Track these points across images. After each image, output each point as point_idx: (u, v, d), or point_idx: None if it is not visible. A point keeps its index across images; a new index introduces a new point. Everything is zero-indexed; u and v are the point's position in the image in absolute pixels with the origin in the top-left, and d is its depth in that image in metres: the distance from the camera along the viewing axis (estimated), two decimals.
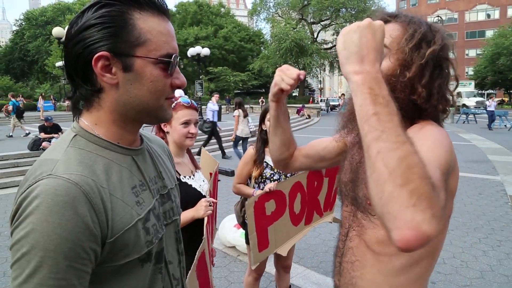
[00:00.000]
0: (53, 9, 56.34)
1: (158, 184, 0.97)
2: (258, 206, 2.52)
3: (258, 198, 2.53)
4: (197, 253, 1.53)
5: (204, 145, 10.93)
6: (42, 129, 10.16)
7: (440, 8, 64.01)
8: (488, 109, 19.26)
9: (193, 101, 2.10)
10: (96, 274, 0.77)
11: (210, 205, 1.91)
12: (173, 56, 0.85)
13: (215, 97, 12.24)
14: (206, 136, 11.38)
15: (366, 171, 1.01)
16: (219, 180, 2.94)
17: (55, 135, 10.07)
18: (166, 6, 0.88)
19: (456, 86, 1.18)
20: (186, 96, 2.11)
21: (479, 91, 52.18)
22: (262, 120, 2.80)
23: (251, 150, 2.82)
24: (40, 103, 24.20)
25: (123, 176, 0.85)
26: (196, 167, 2.22)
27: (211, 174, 2.24)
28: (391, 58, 1.10)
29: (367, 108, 0.77)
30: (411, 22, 1.12)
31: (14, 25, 60.67)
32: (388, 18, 1.15)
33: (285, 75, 1.23)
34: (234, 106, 11.90)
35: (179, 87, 0.90)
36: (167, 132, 2.06)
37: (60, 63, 31.11)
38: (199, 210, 1.90)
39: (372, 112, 0.76)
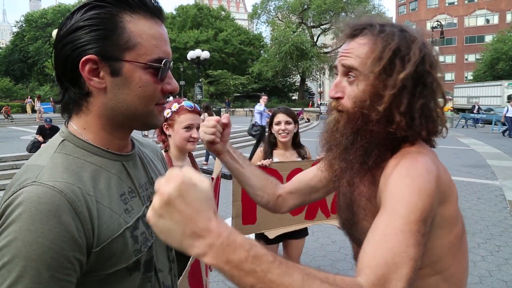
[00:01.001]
0: (53, 11, 56.40)
1: (149, 190, 0.94)
2: None
3: None
4: (190, 259, 1.51)
5: (254, 150, 10.14)
6: (40, 130, 10.05)
7: (439, 13, 64.25)
8: (508, 114, 17.20)
9: (196, 106, 2.12)
10: (82, 283, 0.75)
11: None
12: (164, 61, 0.81)
13: (263, 99, 11.58)
14: (255, 140, 10.76)
15: (361, 213, 0.98)
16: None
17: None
18: (160, 9, 0.84)
19: (445, 103, 1.00)
20: (188, 101, 2.15)
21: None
22: (270, 124, 2.81)
23: (259, 152, 2.85)
24: (37, 105, 24.25)
25: (112, 183, 0.83)
26: (197, 171, 2.22)
27: (213, 178, 2.24)
28: (359, 85, 0.94)
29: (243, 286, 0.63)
30: (380, 35, 0.93)
31: (15, 26, 60.74)
32: (354, 31, 0.99)
33: (205, 128, 1.20)
34: (201, 109, 11.70)
35: (170, 93, 0.87)
36: (169, 135, 2.08)
37: None
38: None
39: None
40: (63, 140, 0.82)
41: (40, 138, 9.84)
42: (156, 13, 0.83)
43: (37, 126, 10.59)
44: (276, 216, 2.64)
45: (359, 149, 0.96)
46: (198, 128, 2.07)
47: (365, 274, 0.72)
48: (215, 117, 1.24)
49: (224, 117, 1.25)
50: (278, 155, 2.80)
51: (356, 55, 0.95)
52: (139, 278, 0.85)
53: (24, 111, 29.92)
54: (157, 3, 0.84)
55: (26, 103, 29.51)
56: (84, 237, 0.72)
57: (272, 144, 2.85)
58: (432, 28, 27.60)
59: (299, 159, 2.82)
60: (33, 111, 26.77)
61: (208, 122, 1.22)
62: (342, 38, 1.03)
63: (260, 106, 11.12)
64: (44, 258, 0.66)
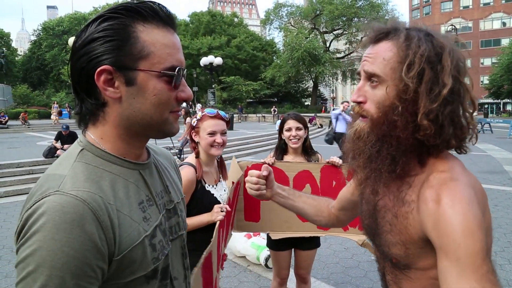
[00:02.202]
0: (69, 19, 57.58)
1: (164, 198, 0.95)
2: None
3: (252, 165, 2.52)
4: (204, 253, 1.54)
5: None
6: (58, 137, 10.31)
7: (454, 17, 63.61)
8: None
9: (220, 112, 2.19)
10: None
11: (222, 211, 1.97)
12: (177, 68, 0.82)
13: (344, 105, 10.50)
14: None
15: (386, 226, 0.99)
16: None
17: (69, 145, 10.19)
18: (172, 18, 0.85)
19: (473, 110, 0.96)
20: (216, 108, 2.26)
21: (495, 100, 51.42)
22: (280, 130, 2.83)
23: (268, 158, 2.86)
24: (53, 110, 25.11)
25: (130, 191, 0.84)
26: (223, 177, 2.33)
27: (233, 183, 2.26)
28: (388, 89, 0.92)
29: None
30: (406, 41, 0.92)
31: (32, 35, 62.16)
32: (379, 35, 0.97)
33: (249, 185, 1.27)
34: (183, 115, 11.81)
35: (185, 100, 0.87)
36: (197, 142, 2.17)
37: None
38: (213, 214, 2.00)
39: None
40: (82, 149, 0.83)
41: (58, 145, 10.04)
42: (169, 22, 0.84)
43: (52, 132, 10.79)
44: (282, 218, 2.60)
45: (386, 157, 0.95)
46: (222, 133, 2.15)
47: None
48: (255, 172, 1.31)
49: (264, 169, 1.31)
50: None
51: (381, 60, 0.94)
52: (156, 286, 0.86)
53: (41, 117, 30.55)
54: (169, 12, 0.84)
55: (53, 108, 30.29)
56: (106, 245, 0.73)
57: (283, 150, 2.85)
58: (447, 32, 27.22)
59: None
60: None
61: (251, 178, 1.31)
62: (366, 42, 1.01)
63: (336, 111, 10.38)
64: (68, 266, 0.67)
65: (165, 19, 0.83)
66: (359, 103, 0.99)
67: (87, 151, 0.83)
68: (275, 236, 2.62)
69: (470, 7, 63.27)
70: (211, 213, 2.02)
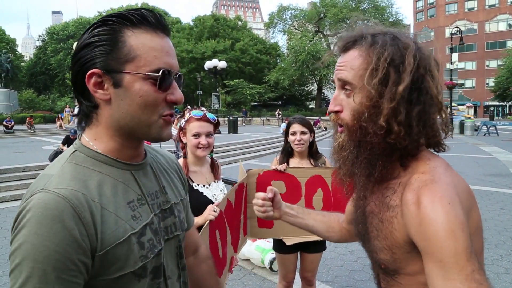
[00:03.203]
0: (74, 23, 58.02)
1: (160, 199, 0.97)
2: (262, 180, 2.52)
3: (263, 172, 2.54)
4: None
5: None
6: (65, 141, 10.41)
7: (459, 19, 63.42)
8: None
9: (208, 114, 2.24)
10: (91, 287, 0.79)
11: (214, 211, 1.97)
12: (162, 70, 0.84)
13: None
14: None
15: (373, 231, 1.00)
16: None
17: None
18: (162, 22, 0.88)
19: (438, 109, 0.96)
20: (204, 110, 2.28)
21: (501, 103, 51.16)
22: (286, 133, 2.84)
23: (274, 162, 2.87)
24: (65, 112, 25.77)
25: (119, 190, 0.86)
26: (217, 178, 2.35)
27: (233, 184, 2.29)
28: (355, 98, 0.95)
29: None
30: (372, 46, 0.93)
31: (38, 40, 62.70)
32: (347, 44, 0.99)
33: (256, 207, 1.31)
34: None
35: (174, 103, 0.89)
36: (185, 142, 2.24)
37: None
38: (204, 214, 2.00)
39: None
40: (74, 151, 0.88)
41: (65, 148, 10.11)
42: (158, 26, 0.87)
43: (58, 136, 10.87)
44: None
45: (363, 162, 0.96)
46: (207, 135, 2.19)
47: None
48: (261, 195, 1.34)
49: (269, 191, 1.33)
50: (294, 164, 2.80)
51: (350, 68, 0.95)
52: (147, 284, 0.88)
53: (46, 121, 30.75)
54: (159, 17, 0.88)
55: (65, 112, 30.60)
56: (88, 241, 0.76)
57: (288, 153, 2.86)
58: (451, 34, 27.20)
59: None
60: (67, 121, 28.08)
61: (257, 201, 1.34)
62: (336, 51, 1.05)
63: None
64: (50, 260, 0.71)
65: (154, 24, 0.86)
66: (336, 112, 1.01)
67: (79, 152, 0.87)
68: (289, 241, 2.62)
69: (475, 9, 63.09)
70: (203, 214, 2.02)
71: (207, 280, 1.28)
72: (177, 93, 0.89)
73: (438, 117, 0.97)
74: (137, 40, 0.84)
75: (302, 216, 1.41)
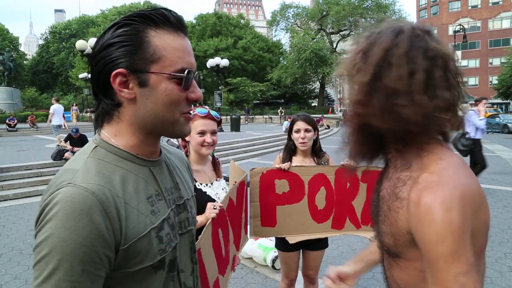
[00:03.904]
0: (77, 22, 58.12)
1: (174, 194, 1.00)
2: (266, 179, 2.51)
3: (267, 171, 2.53)
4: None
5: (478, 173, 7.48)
6: (67, 139, 10.40)
7: (462, 16, 63.10)
8: None
9: (212, 112, 2.19)
10: (111, 279, 0.81)
11: (214, 208, 1.94)
12: (187, 70, 0.88)
13: (483, 103, 7.71)
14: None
15: (382, 216, 1.06)
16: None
17: (79, 148, 10.21)
18: (182, 23, 0.90)
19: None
20: (207, 108, 2.22)
21: (504, 101, 50.96)
22: (290, 131, 2.82)
23: (277, 160, 2.84)
24: (72, 111, 26.99)
25: (139, 186, 0.89)
26: (219, 176, 2.31)
27: (235, 182, 2.26)
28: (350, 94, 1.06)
29: None
30: (355, 42, 1.05)
31: (40, 39, 62.82)
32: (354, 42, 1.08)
33: None
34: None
35: (195, 101, 0.93)
36: (188, 141, 2.18)
37: (83, 75, 32.08)
38: (206, 212, 1.97)
39: None
40: (96, 146, 0.89)
41: (69, 146, 10.13)
42: (179, 27, 0.90)
43: (61, 135, 10.88)
44: (298, 221, 2.62)
45: (356, 145, 1.08)
46: (212, 133, 2.15)
47: None
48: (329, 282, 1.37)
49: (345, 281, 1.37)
50: (297, 162, 2.77)
51: (344, 66, 1.05)
52: (164, 277, 0.91)
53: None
54: (180, 18, 0.90)
55: (72, 111, 30.70)
56: (113, 235, 0.78)
57: (291, 151, 2.84)
58: (455, 32, 27.07)
59: None
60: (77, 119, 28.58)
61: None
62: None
63: (479, 119, 7.43)
64: (76, 253, 0.73)
65: (175, 24, 0.89)
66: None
67: (100, 148, 0.89)
68: (292, 239, 2.60)
69: (479, 6, 62.70)
70: (204, 213, 1.98)
71: None
72: (198, 91, 0.92)
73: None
74: (162, 41, 0.86)
75: (367, 261, 1.40)
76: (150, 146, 0.94)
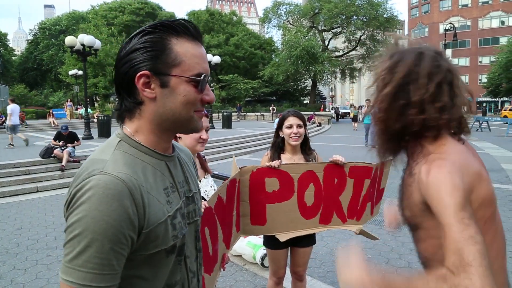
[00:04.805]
0: (67, 17, 57.36)
1: (185, 187, 1.11)
2: (256, 178, 2.49)
3: (257, 169, 2.51)
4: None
5: None
6: (57, 137, 10.14)
7: (452, 15, 63.64)
8: None
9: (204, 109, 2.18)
10: (130, 260, 0.90)
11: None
12: (203, 75, 0.98)
13: None
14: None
15: (402, 190, 1.29)
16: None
17: (69, 145, 10.04)
18: (199, 32, 1.02)
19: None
20: None
21: (493, 99, 51.50)
22: (279, 127, 2.79)
23: (265, 158, 2.82)
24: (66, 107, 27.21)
25: (157, 178, 0.99)
26: (207, 172, 2.31)
27: (226, 179, 2.24)
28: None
29: None
30: (384, 57, 1.29)
31: (29, 34, 61.93)
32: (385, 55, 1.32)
33: None
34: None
35: (208, 103, 1.03)
36: (179, 137, 2.16)
37: (72, 72, 31.68)
38: None
39: None
40: (120, 140, 0.99)
41: (56, 143, 9.97)
42: (197, 36, 1.01)
43: (50, 132, 10.72)
44: (288, 219, 2.61)
45: (382, 142, 1.33)
46: (206, 130, 2.17)
47: (447, 263, 1.01)
48: None
49: None
50: (285, 160, 2.75)
51: (375, 76, 1.30)
52: (173, 261, 1.01)
53: (39, 117, 30.45)
54: (197, 28, 1.02)
55: (66, 106, 30.30)
56: (137, 219, 0.88)
57: (279, 149, 2.81)
58: (445, 30, 27.26)
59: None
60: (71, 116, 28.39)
61: None
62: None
63: None
64: (107, 233, 0.82)
65: (194, 34, 1.00)
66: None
67: (124, 142, 0.99)
68: (283, 237, 2.59)
69: (469, 5, 63.27)
70: None
71: None
72: (211, 94, 1.03)
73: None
74: (182, 48, 0.97)
75: None
76: (166, 142, 1.05)
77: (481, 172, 1.18)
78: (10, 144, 13.48)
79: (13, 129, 13.88)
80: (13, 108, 13.98)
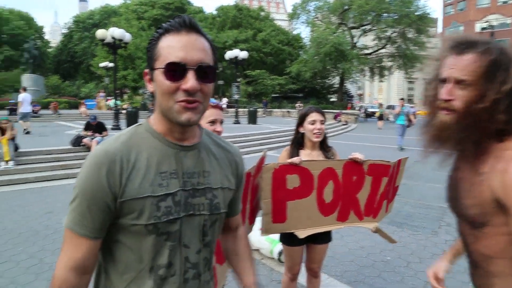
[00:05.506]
0: (99, 12, 58.79)
1: (195, 179, 1.13)
2: (278, 175, 2.51)
3: (280, 166, 2.52)
4: None
5: None
6: (87, 127, 10.78)
7: (490, 13, 61.15)
8: None
9: (218, 102, 2.26)
10: (115, 225, 1.06)
11: None
12: (167, 63, 1.01)
13: None
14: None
15: (464, 193, 1.28)
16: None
17: (97, 135, 10.60)
18: (186, 23, 1.03)
19: None
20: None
21: None
22: (300, 123, 2.80)
23: (284, 153, 2.83)
24: (99, 97, 28.85)
25: (155, 161, 1.08)
26: None
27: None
28: (469, 92, 1.22)
29: None
30: (484, 52, 1.21)
31: (64, 27, 63.84)
32: (460, 49, 1.24)
33: None
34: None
35: (186, 91, 1.01)
36: None
37: (103, 64, 32.44)
38: None
39: None
40: (139, 124, 1.16)
41: (88, 133, 10.52)
42: (183, 26, 1.03)
43: (81, 122, 11.15)
44: (306, 215, 2.62)
45: (466, 139, 1.25)
46: (221, 122, 2.18)
47: None
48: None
49: None
50: (305, 155, 2.76)
51: (464, 69, 1.22)
52: (156, 241, 1.07)
53: (71, 107, 31.41)
54: (185, 19, 1.03)
55: (99, 97, 31.05)
56: (113, 187, 1.02)
57: (299, 144, 2.82)
58: (482, 29, 26.35)
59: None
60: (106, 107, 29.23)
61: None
62: (446, 50, 1.29)
63: None
64: (85, 191, 1.02)
65: (178, 25, 1.03)
66: (448, 100, 1.26)
67: (141, 126, 1.14)
68: (302, 234, 2.61)
69: (510, 2, 60.64)
70: None
71: (242, 250, 1.49)
72: (189, 82, 1.01)
73: None
74: (163, 43, 1.04)
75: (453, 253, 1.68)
76: (177, 133, 1.11)
77: None
78: (25, 130, 13.93)
79: (24, 117, 14.28)
80: (24, 97, 14.38)
